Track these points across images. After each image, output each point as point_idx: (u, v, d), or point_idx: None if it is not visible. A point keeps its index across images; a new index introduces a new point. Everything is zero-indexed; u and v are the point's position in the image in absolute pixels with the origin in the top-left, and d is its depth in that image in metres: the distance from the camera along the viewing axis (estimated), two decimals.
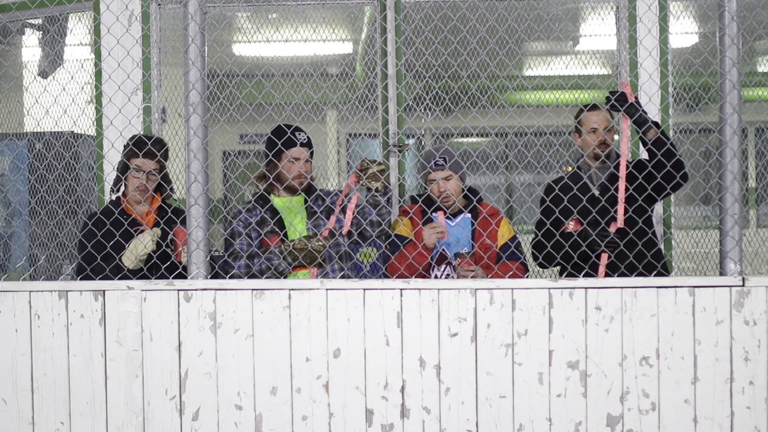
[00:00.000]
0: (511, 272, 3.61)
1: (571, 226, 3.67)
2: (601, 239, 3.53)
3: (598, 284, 2.82)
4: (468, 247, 3.65)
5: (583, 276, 3.28)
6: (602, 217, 3.55)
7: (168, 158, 3.75)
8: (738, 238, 2.84)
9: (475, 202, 3.75)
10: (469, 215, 3.72)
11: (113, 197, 3.69)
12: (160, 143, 3.64)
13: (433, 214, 3.67)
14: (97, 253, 3.43)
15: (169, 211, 3.63)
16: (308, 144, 3.59)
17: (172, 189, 3.75)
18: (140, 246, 3.39)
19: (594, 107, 3.78)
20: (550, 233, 3.69)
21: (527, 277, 3.73)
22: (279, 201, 3.60)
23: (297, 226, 3.54)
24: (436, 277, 3.63)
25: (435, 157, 3.68)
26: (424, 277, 3.58)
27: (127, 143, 3.62)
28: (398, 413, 2.82)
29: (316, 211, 3.55)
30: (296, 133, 3.55)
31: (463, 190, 3.73)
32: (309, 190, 3.63)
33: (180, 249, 3.48)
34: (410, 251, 3.55)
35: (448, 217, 3.71)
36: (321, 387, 2.83)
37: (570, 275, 3.71)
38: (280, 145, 3.51)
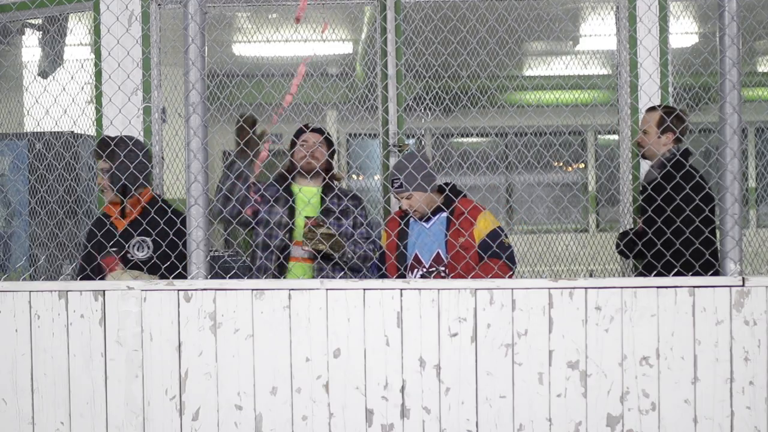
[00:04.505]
0: (493, 272, 3.46)
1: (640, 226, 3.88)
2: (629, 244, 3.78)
3: (598, 284, 2.82)
4: (442, 248, 3.63)
5: (654, 275, 3.27)
6: (658, 215, 3.65)
7: (127, 155, 3.61)
8: (738, 238, 2.84)
9: (439, 205, 3.70)
10: (446, 214, 3.67)
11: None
12: (105, 142, 3.60)
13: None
14: (87, 254, 3.52)
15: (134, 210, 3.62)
16: (319, 131, 3.84)
17: (139, 185, 3.65)
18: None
19: (650, 108, 4.00)
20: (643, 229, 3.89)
21: (512, 274, 3.65)
22: (296, 188, 3.79)
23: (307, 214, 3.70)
24: None
25: (395, 179, 3.67)
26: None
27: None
28: (398, 413, 2.82)
29: (330, 209, 3.73)
30: (308, 124, 3.87)
31: (441, 196, 3.71)
32: (329, 186, 3.83)
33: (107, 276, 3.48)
34: (386, 261, 3.72)
35: (426, 220, 3.70)
36: (321, 387, 2.83)
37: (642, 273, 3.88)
38: (292, 136, 3.83)
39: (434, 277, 3.53)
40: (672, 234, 3.49)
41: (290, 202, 3.71)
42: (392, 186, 3.69)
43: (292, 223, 3.69)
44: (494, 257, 3.57)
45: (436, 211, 3.71)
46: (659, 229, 3.55)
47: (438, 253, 3.64)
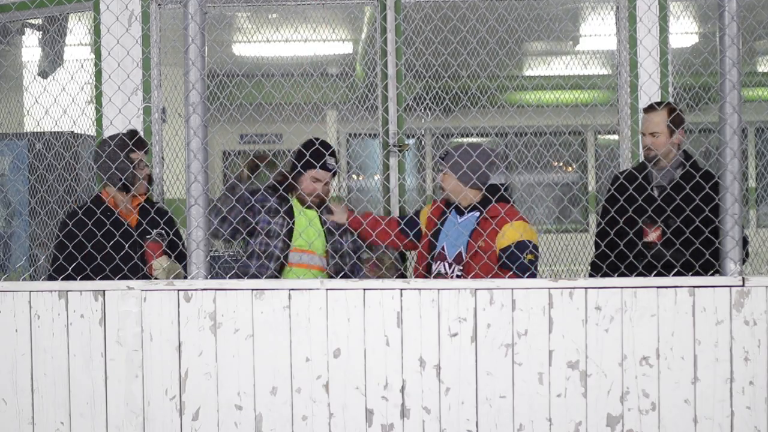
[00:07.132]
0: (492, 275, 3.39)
1: (652, 236, 3.46)
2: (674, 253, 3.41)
3: (598, 284, 2.82)
4: (464, 247, 3.55)
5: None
6: (662, 220, 3.49)
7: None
8: (738, 238, 2.84)
9: (476, 203, 3.58)
10: (477, 214, 3.57)
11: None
12: (140, 136, 3.78)
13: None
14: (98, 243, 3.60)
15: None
16: (332, 158, 3.75)
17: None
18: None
19: (649, 108, 3.66)
20: (626, 240, 3.33)
21: None
22: (296, 210, 3.77)
23: (314, 241, 3.73)
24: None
25: (444, 152, 3.68)
26: (423, 276, 3.57)
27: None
28: (398, 413, 2.82)
29: (332, 230, 3.77)
30: (329, 159, 3.71)
31: (481, 190, 3.57)
32: (321, 203, 3.80)
33: (152, 262, 3.56)
34: (421, 241, 3.69)
35: (461, 214, 3.62)
36: (321, 387, 2.83)
37: None
38: (309, 158, 3.67)
39: (451, 276, 3.52)
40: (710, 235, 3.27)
41: (291, 224, 3.73)
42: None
43: (289, 239, 3.72)
44: (506, 267, 3.40)
45: (473, 208, 3.60)
46: (695, 231, 3.23)
47: (460, 251, 3.57)
